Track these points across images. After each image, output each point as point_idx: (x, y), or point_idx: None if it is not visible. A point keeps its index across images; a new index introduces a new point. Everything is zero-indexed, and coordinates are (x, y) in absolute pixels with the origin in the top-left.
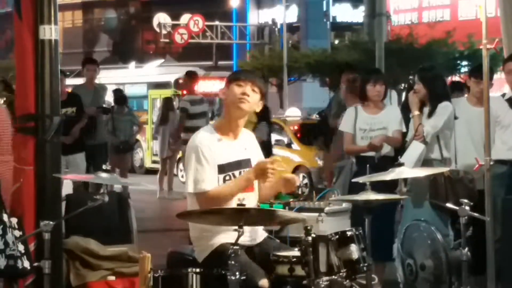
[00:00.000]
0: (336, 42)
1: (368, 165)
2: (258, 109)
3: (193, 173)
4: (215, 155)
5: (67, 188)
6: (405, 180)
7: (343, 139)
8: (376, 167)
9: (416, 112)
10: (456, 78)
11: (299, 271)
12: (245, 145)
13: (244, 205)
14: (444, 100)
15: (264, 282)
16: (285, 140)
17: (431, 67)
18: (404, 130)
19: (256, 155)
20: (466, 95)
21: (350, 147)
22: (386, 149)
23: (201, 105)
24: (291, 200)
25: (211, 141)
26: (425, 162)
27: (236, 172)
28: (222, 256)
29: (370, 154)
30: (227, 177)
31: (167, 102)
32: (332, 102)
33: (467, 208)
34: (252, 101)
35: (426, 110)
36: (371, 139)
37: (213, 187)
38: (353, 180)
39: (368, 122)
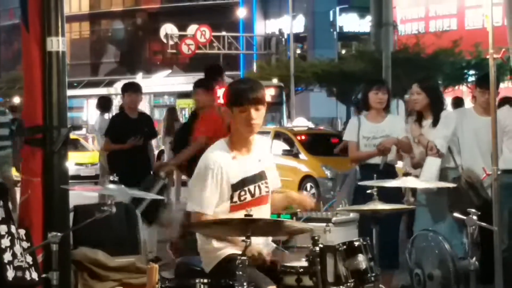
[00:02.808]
0: (343, 52)
1: (373, 172)
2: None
3: (198, 192)
4: (228, 174)
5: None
6: (413, 190)
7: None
8: (381, 174)
9: (419, 134)
10: (463, 87)
11: (307, 281)
12: (259, 156)
13: (251, 215)
14: (444, 109)
15: None
16: (293, 150)
17: (430, 77)
18: (410, 137)
19: (268, 163)
20: (472, 105)
21: (356, 154)
22: (390, 157)
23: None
24: (299, 210)
25: (224, 160)
26: (441, 171)
27: (251, 187)
28: (230, 266)
29: (374, 162)
30: (242, 193)
31: (171, 113)
32: None
33: (474, 217)
34: (259, 120)
35: (427, 122)
36: (375, 146)
37: (210, 212)
38: (360, 183)
39: (372, 131)
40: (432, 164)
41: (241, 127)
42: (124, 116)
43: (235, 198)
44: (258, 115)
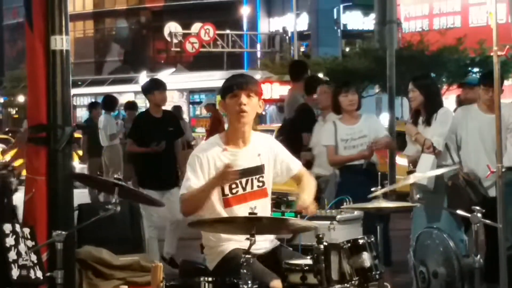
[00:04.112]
0: (347, 49)
1: (354, 173)
2: (260, 111)
3: (184, 182)
4: (215, 165)
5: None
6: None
7: (326, 153)
8: (363, 174)
9: (416, 132)
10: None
11: (311, 279)
12: (258, 151)
13: (255, 214)
14: (440, 106)
15: (276, 283)
16: None
17: (426, 75)
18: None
19: (271, 159)
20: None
21: (336, 158)
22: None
23: None
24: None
25: (212, 153)
26: (438, 168)
27: (243, 180)
28: (233, 261)
29: (357, 163)
30: (233, 185)
31: (176, 112)
32: None
33: (479, 215)
34: (251, 107)
35: (422, 120)
36: (354, 147)
37: None
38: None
39: (348, 133)
40: (427, 161)
41: (232, 115)
42: (147, 115)
43: (226, 191)
44: (249, 101)
